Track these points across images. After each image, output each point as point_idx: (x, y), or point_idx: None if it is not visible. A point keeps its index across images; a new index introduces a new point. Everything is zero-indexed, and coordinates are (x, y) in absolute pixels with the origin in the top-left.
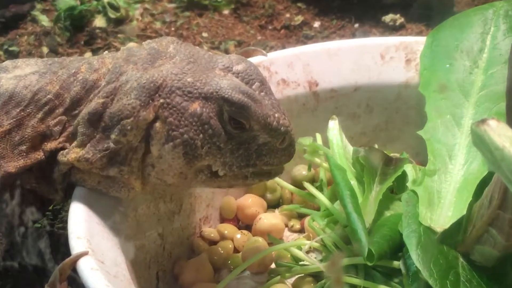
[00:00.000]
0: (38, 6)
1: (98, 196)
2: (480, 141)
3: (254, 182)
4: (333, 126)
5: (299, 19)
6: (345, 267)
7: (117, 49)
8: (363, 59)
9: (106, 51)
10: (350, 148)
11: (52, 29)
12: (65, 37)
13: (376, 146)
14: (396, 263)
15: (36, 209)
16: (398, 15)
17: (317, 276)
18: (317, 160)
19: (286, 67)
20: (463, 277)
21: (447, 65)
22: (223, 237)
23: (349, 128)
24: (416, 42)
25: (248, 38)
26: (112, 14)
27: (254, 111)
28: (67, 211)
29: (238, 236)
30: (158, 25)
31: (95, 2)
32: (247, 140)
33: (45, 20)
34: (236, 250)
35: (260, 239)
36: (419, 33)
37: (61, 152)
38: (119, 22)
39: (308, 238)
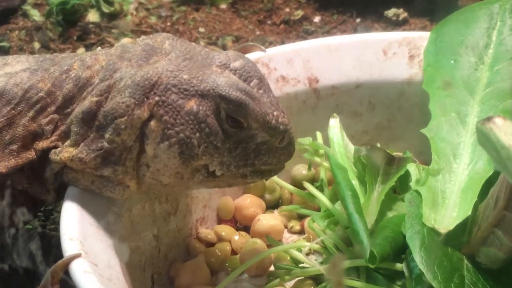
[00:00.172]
0: (30, 0)
1: (91, 196)
2: (485, 140)
3: (254, 180)
4: (334, 124)
5: (299, 13)
6: (346, 269)
7: (111, 45)
8: (365, 55)
9: (100, 47)
10: (352, 147)
11: (44, 24)
12: (57, 32)
13: (378, 145)
14: (399, 266)
15: (27, 210)
16: (401, 10)
17: (317, 279)
18: (318, 159)
19: (285, 63)
20: (468, 279)
21: (452, 61)
22: (220, 239)
23: (351, 126)
24: (420, 38)
25: (246, 34)
26: (105, 9)
27: (252, 109)
28: (59, 212)
29: (236, 237)
30: (153, 20)
31: None
32: (245, 139)
33: (36, 15)
34: (234, 252)
35: (258, 240)
36: (423, 28)
37: (54, 150)
38: (113, 16)
39: (308, 240)
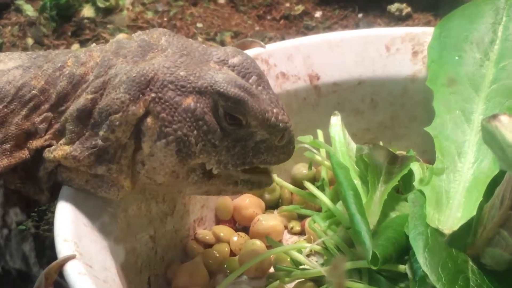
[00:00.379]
0: None
1: (86, 196)
2: (491, 138)
3: (244, 189)
4: (336, 122)
5: (299, 8)
6: (348, 271)
7: (106, 41)
8: (367, 51)
9: (94, 43)
10: (354, 146)
11: (38, 20)
12: (51, 28)
13: (381, 143)
14: (402, 267)
15: (21, 210)
16: (404, 5)
17: (318, 281)
18: (319, 158)
19: (285, 59)
20: (473, 282)
21: (456, 58)
22: (218, 240)
23: (353, 125)
24: (424, 33)
25: (245, 29)
26: (101, 4)
27: (251, 106)
28: (53, 212)
29: (235, 238)
30: (149, 15)
31: None
32: (243, 137)
33: (30, 10)
34: (232, 254)
35: (258, 241)
36: (427, 24)
37: (48, 149)
38: (108, 12)
39: (309, 241)
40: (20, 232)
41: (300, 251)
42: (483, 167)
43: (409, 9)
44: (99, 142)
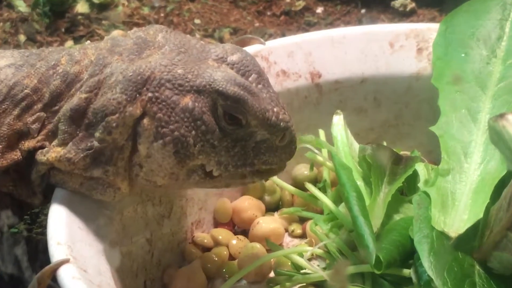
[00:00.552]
0: None
1: (80, 198)
2: (498, 138)
3: (253, 180)
4: (338, 121)
5: (300, 4)
6: (350, 275)
7: (101, 37)
8: (371, 48)
9: (89, 40)
10: (356, 146)
11: (30, 16)
12: (44, 24)
13: (385, 143)
14: (407, 271)
15: (13, 213)
16: (408, 0)
17: (320, 286)
18: (320, 158)
19: (286, 57)
20: (479, 286)
21: (462, 55)
22: (217, 243)
23: (355, 124)
24: (429, 30)
25: (245, 25)
26: None
27: (251, 105)
28: (46, 215)
29: (234, 242)
30: (146, 11)
31: None
32: (243, 137)
33: (22, 6)
34: (231, 257)
35: (257, 245)
36: (432, 20)
37: (40, 151)
38: (103, 7)
39: (310, 244)
40: (13, 235)
41: (301, 255)
42: (490, 168)
43: (413, 5)
44: (95, 143)
